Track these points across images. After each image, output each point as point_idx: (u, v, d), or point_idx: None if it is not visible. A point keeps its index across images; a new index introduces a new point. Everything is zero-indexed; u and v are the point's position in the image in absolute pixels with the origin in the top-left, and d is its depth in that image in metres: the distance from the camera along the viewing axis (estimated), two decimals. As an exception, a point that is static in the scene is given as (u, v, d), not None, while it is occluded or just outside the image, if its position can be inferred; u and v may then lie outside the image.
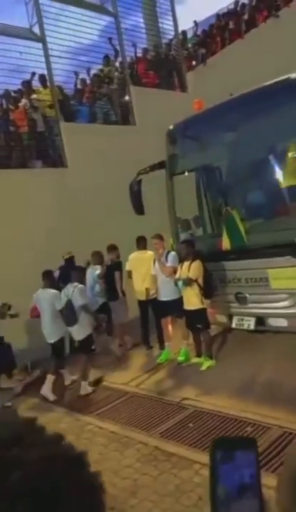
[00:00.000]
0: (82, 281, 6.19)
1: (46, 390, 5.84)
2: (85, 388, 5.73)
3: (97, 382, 5.96)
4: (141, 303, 6.71)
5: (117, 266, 6.76)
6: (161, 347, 6.45)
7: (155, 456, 3.98)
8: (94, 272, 6.76)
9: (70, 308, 5.70)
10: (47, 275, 6.10)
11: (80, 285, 5.91)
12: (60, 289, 6.00)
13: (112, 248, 6.85)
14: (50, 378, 5.91)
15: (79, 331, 5.80)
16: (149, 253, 6.55)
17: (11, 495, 0.43)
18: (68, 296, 5.76)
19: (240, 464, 0.59)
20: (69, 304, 5.72)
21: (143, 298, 6.62)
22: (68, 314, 5.73)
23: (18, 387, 6.19)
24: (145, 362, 6.42)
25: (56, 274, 6.58)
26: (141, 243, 6.76)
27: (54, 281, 6.25)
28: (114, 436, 4.49)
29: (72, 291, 5.76)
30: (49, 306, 5.91)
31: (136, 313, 6.89)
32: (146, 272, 6.46)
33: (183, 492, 3.40)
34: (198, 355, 5.83)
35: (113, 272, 6.70)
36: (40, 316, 6.02)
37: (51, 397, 5.80)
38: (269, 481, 3.00)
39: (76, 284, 5.85)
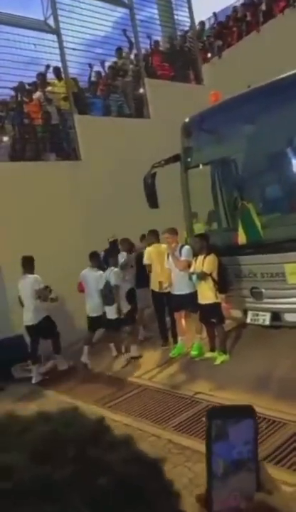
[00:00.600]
0: (117, 264, 6.55)
1: (85, 357, 6.45)
2: (134, 351, 6.36)
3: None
4: (155, 295, 6.66)
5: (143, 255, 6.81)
6: (174, 341, 6.43)
7: (169, 449, 3.97)
8: (121, 259, 6.80)
9: (109, 289, 6.29)
10: (93, 256, 6.65)
11: (116, 269, 6.44)
12: (104, 269, 6.57)
13: (145, 236, 6.97)
14: (87, 348, 6.48)
15: (114, 310, 6.33)
16: (162, 246, 6.53)
17: (97, 501, 0.39)
18: (107, 278, 6.36)
19: (237, 436, 0.56)
20: (108, 284, 6.30)
21: (157, 289, 6.58)
22: (107, 294, 6.31)
23: (37, 377, 6.25)
24: (158, 356, 6.41)
25: (101, 255, 6.97)
26: (153, 236, 6.67)
27: (100, 261, 6.77)
28: (127, 428, 4.49)
29: (109, 273, 6.37)
30: (94, 284, 6.49)
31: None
32: (163, 266, 6.44)
33: (197, 485, 3.38)
34: (212, 350, 5.80)
35: (141, 260, 6.78)
36: (86, 292, 6.61)
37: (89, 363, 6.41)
38: (285, 476, 2.96)
39: (112, 268, 6.42)
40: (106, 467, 0.41)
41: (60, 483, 0.39)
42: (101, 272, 6.54)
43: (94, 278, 6.52)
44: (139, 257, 6.87)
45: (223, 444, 0.56)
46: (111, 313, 6.38)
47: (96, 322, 6.61)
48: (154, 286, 6.61)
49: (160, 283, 6.47)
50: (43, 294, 6.19)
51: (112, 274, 6.34)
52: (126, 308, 6.43)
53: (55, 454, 0.41)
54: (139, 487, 0.42)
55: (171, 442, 4.07)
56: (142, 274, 6.81)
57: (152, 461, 0.47)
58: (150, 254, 6.64)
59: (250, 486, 0.57)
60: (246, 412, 0.59)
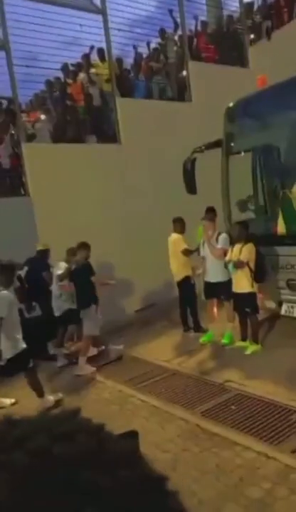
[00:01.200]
0: (9, 283, 4.85)
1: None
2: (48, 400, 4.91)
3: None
4: (177, 284, 6.70)
5: (85, 270, 5.86)
6: (197, 329, 6.48)
7: (196, 433, 4.02)
8: (58, 270, 6.10)
9: None
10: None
11: (3, 292, 4.64)
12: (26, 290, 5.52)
13: (81, 247, 5.90)
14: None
15: (5, 348, 4.68)
16: (173, 235, 6.54)
17: None
18: None
19: None
20: None
21: (177, 279, 6.63)
22: None
23: (61, 360, 6.22)
24: (187, 341, 6.44)
25: (24, 270, 6.17)
26: (177, 225, 6.54)
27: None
28: (156, 410, 4.57)
29: None
30: None
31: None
32: (171, 255, 6.53)
33: (223, 471, 3.42)
34: (243, 339, 5.77)
35: (80, 276, 5.85)
36: None
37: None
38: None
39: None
40: (98, 494, 0.36)
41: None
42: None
43: None
44: (81, 269, 5.86)
45: None
46: (5, 351, 4.69)
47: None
48: (177, 276, 6.61)
49: (193, 270, 6.49)
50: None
51: None
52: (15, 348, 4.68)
53: (44, 477, 0.35)
54: None
55: (199, 427, 4.11)
56: (86, 291, 5.84)
57: (157, 478, 0.41)
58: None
59: None
60: None
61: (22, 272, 6.19)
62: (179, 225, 6.58)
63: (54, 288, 6.23)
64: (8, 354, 4.66)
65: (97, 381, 5.64)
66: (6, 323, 4.59)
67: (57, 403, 4.92)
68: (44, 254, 6.43)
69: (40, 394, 4.85)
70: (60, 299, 6.20)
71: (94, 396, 5.18)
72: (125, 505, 0.36)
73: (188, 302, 6.60)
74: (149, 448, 3.85)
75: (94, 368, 5.86)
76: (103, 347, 6.36)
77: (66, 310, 6.16)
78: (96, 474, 0.36)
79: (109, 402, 4.95)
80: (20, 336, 4.75)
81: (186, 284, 6.56)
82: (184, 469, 3.53)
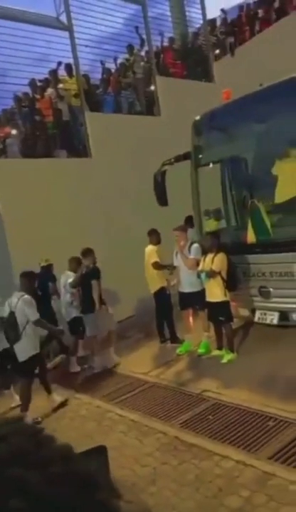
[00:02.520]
0: (31, 290, 5.17)
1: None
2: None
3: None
4: (154, 295, 6.70)
5: (93, 274, 6.08)
6: (173, 340, 6.49)
7: (175, 445, 4.00)
8: (68, 279, 6.26)
9: (12, 322, 4.86)
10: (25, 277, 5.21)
11: (27, 296, 4.92)
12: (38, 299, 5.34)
13: (87, 253, 6.11)
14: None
15: (21, 350, 4.92)
16: (149, 247, 6.62)
17: None
18: (11, 307, 4.89)
19: None
20: (11, 316, 4.87)
21: (153, 290, 6.65)
22: (9, 329, 4.92)
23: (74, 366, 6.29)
24: (164, 353, 6.43)
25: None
26: (153, 236, 6.64)
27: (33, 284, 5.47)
28: (134, 424, 4.53)
29: (17, 301, 4.88)
30: None
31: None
32: (146, 266, 6.58)
33: (202, 482, 3.41)
34: (219, 348, 5.81)
35: (89, 281, 6.06)
36: None
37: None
38: (292, 476, 2.98)
39: (22, 293, 4.93)
40: (24, 488, 0.39)
41: None
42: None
43: None
44: (87, 276, 6.05)
45: None
46: (20, 353, 4.91)
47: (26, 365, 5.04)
48: (152, 287, 6.65)
49: (167, 281, 6.52)
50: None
51: (21, 302, 4.84)
52: (35, 349, 5.03)
53: None
54: (65, 509, 0.39)
55: (177, 439, 4.09)
56: (87, 297, 6.10)
57: (86, 475, 0.43)
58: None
59: None
60: None
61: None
62: (154, 237, 6.64)
63: (65, 296, 6.43)
64: (28, 354, 4.92)
65: (73, 398, 5.55)
66: (31, 325, 4.90)
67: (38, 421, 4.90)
68: (48, 268, 6.66)
69: (49, 391, 5.21)
70: (71, 306, 6.39)
71: (71, 414, 5.09)
72: (52, 498, 0.39)
73: (164, 313, 6.62)
74: (128, 462, 3.81)
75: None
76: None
77: (73, 318, 6.35)
78: (27, 471, 0.40)
79: (86, 419, 4.87)
80: (38, 341, 5.07)
81: (161, 295, 6.57)
82: (164, 483, 3.50)
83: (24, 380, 5.03)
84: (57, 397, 5.30)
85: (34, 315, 4.89)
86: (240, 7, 11.87)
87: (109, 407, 5.04)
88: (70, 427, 4.75)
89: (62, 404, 5.26)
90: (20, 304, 4.86)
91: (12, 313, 4.87)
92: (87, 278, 6.04)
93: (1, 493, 0.38)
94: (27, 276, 5.15)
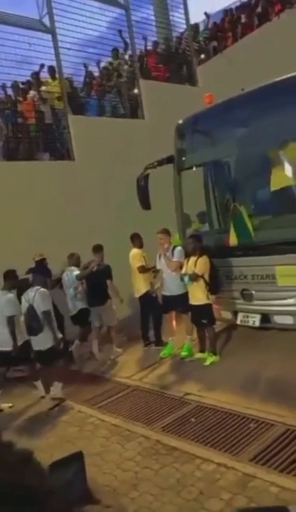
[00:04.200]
0: (45, 285, 5.54)
1: (41, 390, 5.58)
2: (57, 391, 5.41)
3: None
4: (139, 299, 6.71)
5: (107, 272, 6.47)
6: (157, 343, 6.47)
7: (157, 449, 3.98)
8: (73, 273, 6.51)
9: (33, 315, 5.17)
10: (9, 276, 5.56)
11: (42, 289, 5.32)
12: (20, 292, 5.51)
13: (98, 249, 6.50)
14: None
15: (44, 340, 5.27)
16: (134, 250, 6.64)
17: None
18: (29, 301, 5.23)
19: None
20: (31, 309, 5.19)
21: (138, 295, 6.65)
22: (31, 322, 5.20)
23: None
24: (148, 356, 6.42)
25: (30, 278, 6.05)
26: (135, 240, 6.70)
27: (16, 282, 5.70)
28: (116, 429, 4.50)
29: (34, 295, 5.23)
30: (1, 311, 5.42)
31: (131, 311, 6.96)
32: (132, 270, 6.58)
33: (184, 486, 3.40)
34: (202, 351, 5.82)
35: (100, 277, 6.40)
36: None
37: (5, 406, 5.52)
38: (273, 477, 2.99)
39: (38, 287, 5.30)
40: None
41: None
42: (12, 295, 5.45)
43: (2, 303, 5.42)
44: (100, 275, 6.40)
45: None
46: (39, 343, 5.29)
47: (6, 358, 5.44)
48: (135, 292, 6.65)
49: (151, 284, 6.51)
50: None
51: (37, 296, 5.19)
52: (59, 336, 5.46)
53: None
54: None
55: (159, 443, 4.07)
56: (95, 291, 6.46)
57: (30, 487, 0.42)
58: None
59: None
60: None
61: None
62: (137, 241, 6.66)
63: (69, 290, 6.55)
64: (47, 344, 5.25)
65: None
66: (49, 316, 5.25)
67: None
68: (42, 262, 6.74)
69: (48, 391, 5.45)
70: (76, 299, 6.53)
71: (53, 419, 5.03)
72: None
73: (153, 315, 6.57)
74: (110, 468, 3.78)
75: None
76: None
77: (80, 309, 6.52)
78: None
79: (68, 424, 4.82)
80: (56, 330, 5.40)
81: (147, 299, 6.54)
82: (145, 487, 3.48)
83: (49, 367, 5.44)
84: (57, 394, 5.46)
85: (44, 306, 5.21)
86: (226, 11, 12.00)
87: (92, 412, 5.00)
88: (52, 432, 4.70)
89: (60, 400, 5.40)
90: (37, 297, 5.22)
91: (31, 306, 5.20)
92: (99, 275, 6.36)
93: None
94: (9, 274, 5.53)
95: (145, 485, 3.50)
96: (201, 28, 11.52)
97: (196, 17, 11.63)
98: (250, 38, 10.75)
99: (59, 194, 7.67)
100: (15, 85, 8.33)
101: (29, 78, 8.56)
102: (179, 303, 5.93)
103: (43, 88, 8.48)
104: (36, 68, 8.55)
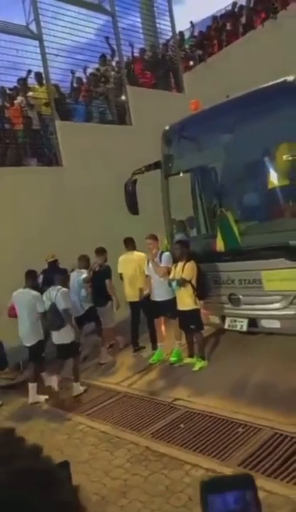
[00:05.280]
0: (65, 284, 5.99)
1: (33, 397, 5.70)
2: (78, 389, 5.71)
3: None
4: (131, 304, 6.67)
5: (106, 272, 6.62)
6: (154, 347, 6.44)
7: (146, 456, 3.97)
8: (80, 275, 6.60)
9: (55, 312, 5.59)
10: (30, 275, 5.94)
11: (64, 288, 5.76)
12: (42, 292, 5.86)
13: (101, 251, 6.69)
14: (33, 386, 5.75)
15: (65, 335, 5.66)
16: (136, 254, 6.58)
17: None
18: (51, 299, 5.64)
19: (233, 501, 0.52)
20: (53, 307, 5.59)
21: (132, 299, 6.59)
22: (53, 318, 5.61)
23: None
24: (137, 362, 6.41)
25: (40, 278, 6.48)
26: (129, 244, 6.69)
27: (36, 282, 6.13)
28: (105, 436, 4.48)
29: (56, 294, 5.63)
30: (28, 307, 5.75)
31: (128, 314, 6.86)
32: (133, 274, 6.48)
33: (173, 492, 3.39)
34: (191, 356, 5.83)
35: (101, 278, 6.56)
36: (18, 316, 5.84)
37: (42, 398, 5.72)
38: (261, 482, 3.01)
39: (59, 287, 5.71)
40: None
41: None
42: (36, 292, 5.84)
43: (28, 300, 5.79)
44: (100, 275, 6.57)
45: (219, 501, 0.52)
46: (59, 338, 5.70)
47: (34, 351, 5.83)
48: (129, 296, 6.61)
49: (140, 290, 6.49)
50: None
51: (59, 295, 5.61)
52: (76, 333, 5.82)
53: None
54: (25, 501, 0.42)
55: (148, 449, 4.07)
56: (97, 292, 6.62)
57: (50, 471, 0.47)
58: (121, 263, 6.67)
59: None
60: (245, 482, 0.53)
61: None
62: (131, 245, 6.65)
63: (81, 291, 6.61)
64: (69, 339, 5.65)
65: (43, 411, 5.45)
66: (69, 313, 5.67)
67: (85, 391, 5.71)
68: (54, 263, 6.93)
69: (77, 379, 5.75)
70: (86, 299, 6.64)
71: (42, 427, 4.98)
72: (13, 491, 0.42)
73: (151, 318, 6.47)
74: (98, 475, 3.77)
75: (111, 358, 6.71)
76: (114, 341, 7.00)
77: (88, 309, 6.64)
78: None
79: (56, 432, 4.78)
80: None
81: (145, 302, 6.43)
82: (134, 494, 3.47)
83: (74, 360, 5.81)
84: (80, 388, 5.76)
85: (65, 305, 5.62)
86: (214, 17, 12.16)
87: (80, 419, 4.98)
88: (40, 440, 4.62)
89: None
90: (59, 296, 5.61)
91: (53, 305, 5.60)
92: (100, 276, 6.55)
93: None
94: (31, 274, 5.97)
95: (134, 492, 3.49)
96: (186, 36, 11.64)
97: (181, 25, 11.76)
98: (235, 46, 10.91)
99: (47, 199, 7.65)
100: (1, 91, 8.30)
101: (16, 84, 8.53)
102: (167, 308, 5.94)
103: (30, 94, 8.47)
104: (23, 74, 8.54)
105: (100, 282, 6.59)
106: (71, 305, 5.85)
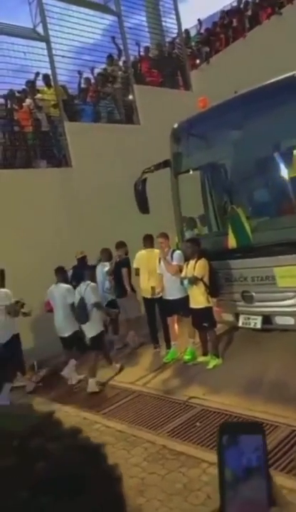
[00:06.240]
0: (94, 279, 6.30)
1: (71, 375, 6.13)
2: (92, 386, 5.75)
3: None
4: (147, 301, 6.67)
5: (124, 263, 6.86)
6: (168, 346, 6.44)
7: (163, 454, 3.97)
8: (104, 268, 6.83)
9: (82, 306, 5.86)
10: (59, 271, 6.34)
11: (93, 283, 6.05)
12: (74, 287, 6.22)
13: (121, 245, 6.98)
14: (70, 366, 6.15)
15: (90, 328, 5.93)
16: (156, 251, 6.54)
17: (34, 485, 0.43)
18: (81, 293, 5.93)
19: (247, 448, 0.60)
20: (81, 301, 5.87)
21: (149, 296, 6.59)
22: (80, 312, 5.90)
23: (29, 385, 6.21)
24: (151, 361, 6.42)
25: (69, 273, 6.76)
26: (148, 241, 6.71)
27: (66, 276, 6.51)
28: (122, 435, 4.49)
29: (85, 289, 5.93)
30: (62, 300, 6.15)
31: (144, 311, 6.90)
32: (154, 270, 6.44)
33: (191, 491, 3.39)
34: (205, 354, 5.82)
35: (121, 269, 6.80)
36: (53, 310, 6.27)
37: (78, 377, 6.11)
38: (278, 480, 2.99)
39: (89, 282, 6.00)
40: (46, 455, 0.45)
41: (2, 473, 0.43)
42: (68, 285, 6.25)
43: (61, 293, 6.21)
44: (118, 265, 6.84)
45: (234, 454, 0.60)
46: (88, 331, 5.97)
47: (69, 342, 6.24)
48: (144, 292, 6.61)
49: (152, 288, 6.49)
50: (13, 310, 5.79)
51: (88, 289, 5.89)
52: (100, 328, 6.05)
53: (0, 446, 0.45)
54: (76, 472, 0.46)
55: (165, 448, 4.07)
56: (117, 283, 6.84)
57: (93, 447, 0.51)
58: (141, 258, 6.66)
59: (262, 496, 0.59)
60: (256, 428, 0.62)
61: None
62: (150, 241, 6.62)
63: (104, 283, 6.83)
64: (96, 331, 5.92)
65: (61, 411, 5.48)
66: (98, 307, 5.90)
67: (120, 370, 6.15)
68: (83, 259, 7.18)
69: (94, 375, 5.90)
70: (109, 291, 6.86)
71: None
72: (69, 463, 0.46)
73: (164, 317, 6.48)
74: (116, 475, 3.77)
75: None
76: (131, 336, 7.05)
77: (110, 300, 6.84)
78: (46, 442, 0.47)
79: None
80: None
81: (159, 299, 6.40)
82: (152, 493, 3.47)
83: (95, 352, 6.02)
84: (117, 365, 6.20)
85: (94, 299, 5.86)
86: (222, 12, 12.09)
87: (96, 418, 4.99)
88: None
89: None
90: (88, 290, 5.87)
91: (82, 299, 5.85)
92: (119, 267, 6.79)
93: (28, 459, 0.44)
94: (60, 270, 6.37)
95: (152, 491, 3.49)
96: (193, 33, 11.60)
97: (185, 23, 11.71)
98: (242, 42, 10.83)
99: (57, 200, 7.70)
100: (10, 94, 8.37)
101: (24, 87, 8.60)
102: (180, 307, 5.93)
103: (39, 96, 8.53)
104: (31, 77, 8.60)
105: (120, 274, 6.83)
106: (100, 298, 6.10)
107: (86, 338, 6.04)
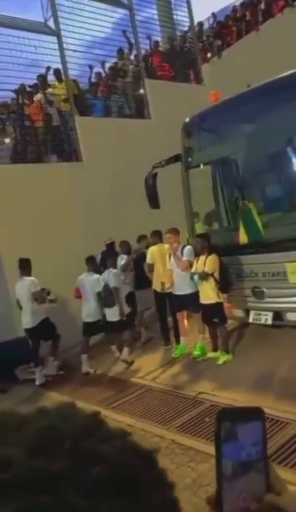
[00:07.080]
0: (116, 266, 6.55)
1: (85, 367, 6.38)
2: (126, 355, 6.22)
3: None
4: (158, 296, 6.65)
5: (144, 257, 6.88)
6: (177, 341, 6.43)
7: (172, 449, 3.98)
8: (121, 261, 6.86)
9: (108, 291, 6.23)
10: (90, 260, 6.63)
11: (115, 270, 6.41)
12: (100, 273, 6.55)
13: (142, 238, 7.10)
14: (84, 357, 6.39)
15: (112, 313, 6.28)
16: (166, 246, 6.52)
17: (90, 490, 0.41)
18: (105, 280, 6.31)
19: (246, 437, 0.57)
20: (106, 287, 6.23)
21: (160, 290, 6.56)
22: (107, 297, 6.26)
23: (41, 378, 6.28)
24: (161, 356, 6.42)
25: (98, 258, 7.02)
26: (157, 237, 6.68)
27: (96, 266, 6.77)
28: (131, 429, 4.48)
29: (108, 275, 6.30)
30: (91, 289, 6.46)
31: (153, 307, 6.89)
32: (165, 265, 6.43)
33: (200, 486, 3.39)
34: (215, 350, 5.80)
35: (139, 263, 6.88)
36: (82, 297, 6.55)
37: (91, 370, 6.36)
38: (288, 476, 2.97)
39: (111, 269, 6.38)
40: (100, 458, 0.43)
41: (55, 476, 0.40)
42: (98, 275, 6.50)
43: (90, 283, 6.50)
44: (138, 258, 6.91)
45: (232, 445, 0.57)
46: (111, 315, 6.32)
47: (92, 327, 6.53)
48: (156, 286, 6.60)
49: (162, 284, 6.47)
50: (40, 297, 6.17)
51: (110, 275, 6.29)
52: (126, 310, 6.39)
53: (51, 447, 0.43)
54: (133, 476, 0.43)
55: (174, 443, 4.07)
56: (141, 276, 6.88)
57: (146, 451, 0.49)
58: (153, 253, 6.63)
59: (260, 486, 0.57)
60: (255, 413, 0.59)
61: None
62: (158, 237, 6.63)
63: (121, 276, 6.85)
64: (116, 317, 6.24)
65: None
66: (117, 292, 6.26)
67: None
68: (112, 245, 7.40)
69: (130, 345, 6.36)
70: (125, 283, 6.85)
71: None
72: (124, 465, 0.44)
73: (174, 312, 6.44)
74: (125, 469, 3.78)
75: None
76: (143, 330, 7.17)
77: (128, 293, 6.89)
78: (98, 444, 0.45)
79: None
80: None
81: (170, 293, 6.35)
82: (161, 487, 3.47)
83: (127, 332, 6.40)
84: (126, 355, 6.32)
85: (113, 283, 6.25)
86: (234, 7, 11.95)
87: (106, 413, 5.00)
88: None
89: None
90: (111, 276, 6.26)
91: (106, 285, 6.25)
92: (138, 261, 6.96)
93: (82, 463, 0.42)
94: (90, 259, 6.68)
95: (161, 485, 3.49)
96: (206, 26, 11.48)
97: (200, 16, 11.59)
98: (254, 35, 10.69)
99: (67, 195, 7.71)
100: (22, 88, 8.38)
101: (36, 81, 8.60)
102: (190, 302, 5.91)
103: (50, 90, 8.52)
104: (42, 71, 8.59)
105: (139, 267, 6.93)
106: (120, 285, 6.37)
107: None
